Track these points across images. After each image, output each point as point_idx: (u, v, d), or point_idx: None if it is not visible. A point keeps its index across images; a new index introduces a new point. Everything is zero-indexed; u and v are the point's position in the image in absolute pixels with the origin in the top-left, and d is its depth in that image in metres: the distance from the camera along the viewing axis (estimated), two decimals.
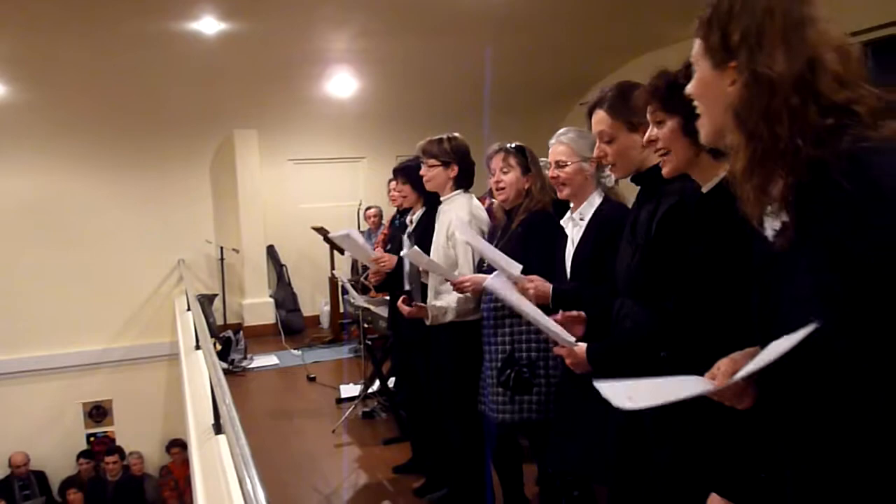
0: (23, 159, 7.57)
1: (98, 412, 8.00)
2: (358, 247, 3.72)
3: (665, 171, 1.73)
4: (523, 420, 2.72)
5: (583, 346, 2.05)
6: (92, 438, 7.95)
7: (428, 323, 3.13)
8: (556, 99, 8.39)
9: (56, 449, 7.72)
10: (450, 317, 3.07)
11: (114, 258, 7.86)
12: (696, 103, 1.28)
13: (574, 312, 2.14)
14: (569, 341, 2.06)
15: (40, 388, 7.72)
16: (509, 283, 2.37)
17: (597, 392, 1.26)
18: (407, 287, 3.48)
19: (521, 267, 2.53)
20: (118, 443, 7.94)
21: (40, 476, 7.55)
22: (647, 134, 1.75)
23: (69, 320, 7.73)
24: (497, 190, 2.87)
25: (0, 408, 7.59)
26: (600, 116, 2.10)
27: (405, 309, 3.21)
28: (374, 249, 4.09)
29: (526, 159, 2.85)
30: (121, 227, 7.91)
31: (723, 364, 1.24)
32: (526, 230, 2.76)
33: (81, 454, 7.68)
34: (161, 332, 7.87)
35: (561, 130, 2.57)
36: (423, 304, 3.20)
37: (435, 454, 3.70)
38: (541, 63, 7.44)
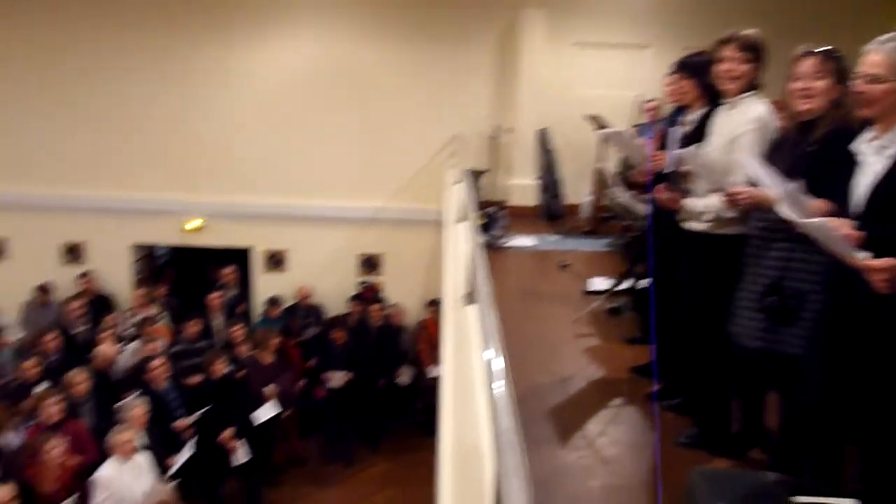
0: (317, 26, 8.29)
1: (370, 263, 8.89)
2: (629, 144, 3.59)
3: None
4: (779, 351, 2.54)
5: None
6: (362, 285, 8.88)
7: (678, 219, 2.98)
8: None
9: (332, 290, 8.77)
10: (704, 219, 2.90)
11: (397, 124, 8.46)
12: None
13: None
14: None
15: (326, 234, 8.74)
16: (802, 203, 2.16)
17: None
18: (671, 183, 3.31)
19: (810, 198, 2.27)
20: (383, 293, 8.82)
21: (318, 310, 8.66)
22: None
23: (355, 177, 8.56)
24: (803, 98, 2.55)
25: (295, 245, 8.79)
26: None
27: (662, 195, 3.07)
28: (647, 147, 3.90)
29: (843, 67, 2.49)
30: (405, 96, 8.43)
31: None
32: (824, 148, 2.45)
33: (352, 297, 8.63)
34: (431, 198, 8.38)
35: (885, 36, 2.11)
36: (681, 192, 3.04)
37: (676, 362, 3.61)
38: None
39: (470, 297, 3.68)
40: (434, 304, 8.16)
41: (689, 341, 3.24)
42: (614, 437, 3.36)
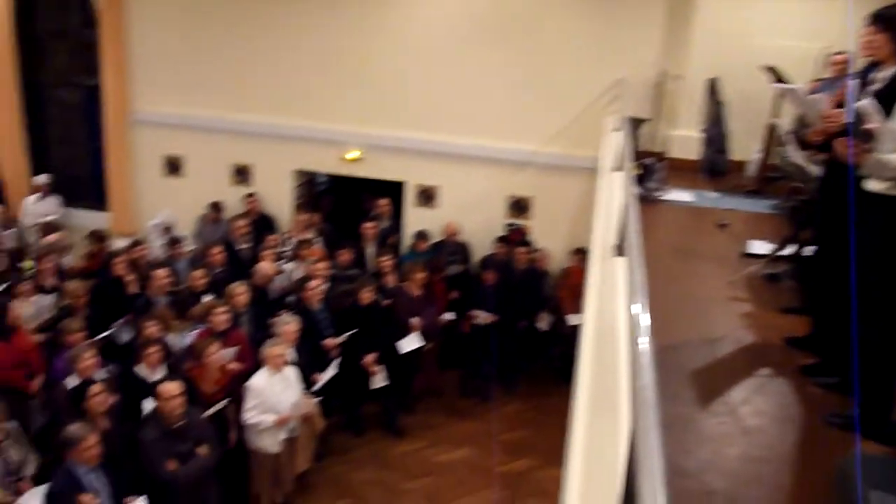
0: None
1: (519, 206, 8.87)
2: (805, 102, 3.30)
3: None
4: None
5: None
6: (509, 227, 8.89)
7: (858, 176, 2.73)
8: None
9: (479, 229, 8.84)
10: (886, 176, 2.63)
11: (558, 67, 8.26)
12: None
13: None
14: None
15: (478, 173, 8.78)
16: None
17: None
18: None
19: None
20: (530, 237, 8.79)
21: (464, 247, 8.78)
22: None
23: (511, 118, 8.50)
24: None
25: (446, 182, 8.91)
26: None
27: (842, 148, 2.81)
28: (825, 104, 3.55)
29: None
30: (568, 37, 8.20)
31: None
32: None
33: (499, 239, 8.66)
34: (587, 145, 8.18)
35: None
36: (864, 148, 2.78)
37: (836, 338, 3.36)
38: None
39: (619, 249, 3.59)
40: (580, 253, 8.04)
41: (857, 314, 3.01)
42: (758, 407, 3.21)
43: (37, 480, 4.99)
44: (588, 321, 3.29)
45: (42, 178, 9.73)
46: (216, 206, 9.28)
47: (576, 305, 7.17)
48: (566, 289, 8.08)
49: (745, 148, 7.89)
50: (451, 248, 8.70)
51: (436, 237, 8.83)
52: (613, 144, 6.26)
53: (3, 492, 4.70)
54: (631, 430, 1.64)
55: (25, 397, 6.01)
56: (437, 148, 8.79)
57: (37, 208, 9.55)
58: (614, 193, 4.79)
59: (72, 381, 5.43)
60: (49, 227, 8.54)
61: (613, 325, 2.83)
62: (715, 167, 7.76)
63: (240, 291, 6.69)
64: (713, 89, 7.97)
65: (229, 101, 9.20)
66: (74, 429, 4.59)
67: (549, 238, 8.69)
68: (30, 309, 6.66)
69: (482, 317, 7.87)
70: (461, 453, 7.26)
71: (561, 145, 8.46)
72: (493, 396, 8.18)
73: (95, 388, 5.03)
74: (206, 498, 5.26)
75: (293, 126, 9.05)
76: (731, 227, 5.97)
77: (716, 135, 7.91)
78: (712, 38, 7.88)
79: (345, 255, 8.03)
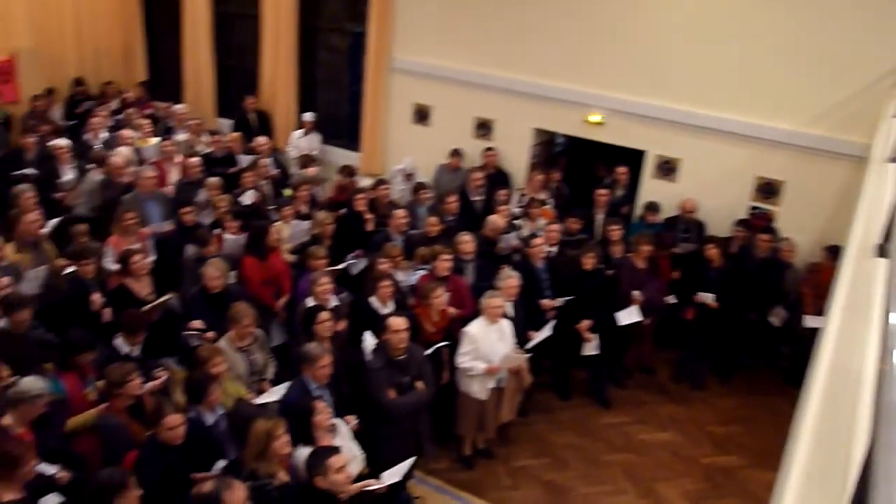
0: None
1: (768, 189, 8.19)
2: None
3: None
4: None
5: None
6: (752, 211, 8.27)
7: None
8: None
9: (718, 209, 8.31)
10: None
11: (834, 39, 7.40)
12: None
13: None
14: None
15: (725, 149, 8.23)
16: None
17: None
18: None
19: None
20: (775, 224, 8.11)
21: (700, 226, 8.31)
22: None
23: (770, 94, 7.83)
24: None
25: (690, 155, 8.46)
26: None
27: None
28: None
29: None
30: (846, 13, 7.30)
31: None
32: None
33: (738, 222, 8.09)
34: (858, 130, 7.35)
35: None
36: None
37: None
38: None
39: (882, 250, 3.22)
40: (832, 251, 7.27)
41: None
42: None
43: (274, 384, 5.60)
44: (831, 325, 2.99)
45: (308, 116, 10.67)
46: (457, 153, 9.61)
47: (818, 306, 6.60)
48: (810, 286, 7.40)
49: None
50: (684, 226, 8.30)
51: (670, 212, 8.46)
52: (892, 133, 5.56)
53: (247, 390, 5.35)
54: (868, 449, 1.48)
55: (271, 314, 6.73)
56: (685, 119, 8.34)
57: (300, 143, 10.52)
58: (885, 188, 4.28)
59: (309, 303, 5.99)
60: (308, 160, 9.37)
61: (863, 333, 2.56)
62: None
63: (466, 240, 6.94)
64: None
65: (480, 55, 9.40)
66: (313, 347, 5.07)
67: (797, 228, 7.95)
68: (286, 232, 7.42)
69: (708, 300, 7.41)
70: (665, 436, 7.05)
71: (826, 127, 7.67)
72: (706, 385, 7.82)
73: (324, 315, 5.51)
74: (419, 428, 5.59)
75: (538, 84, 9.06)
76: None
77: None
78: None
79: (573, 222, 7.99)
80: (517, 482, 6.33)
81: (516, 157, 9.56)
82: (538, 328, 6.56)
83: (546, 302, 6.88)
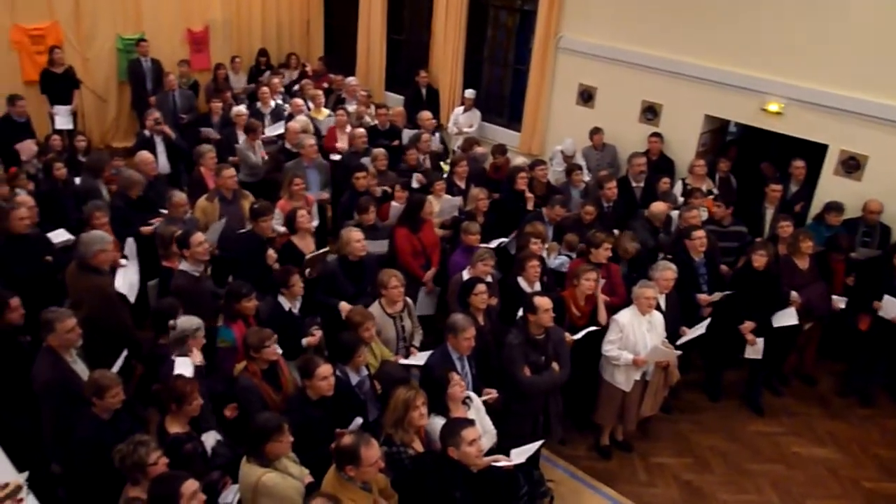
0: None
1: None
2: None
3: None
4: None
5: None
6: None
7: None
8: None
9: None
10: None
11: None
12: None
13: None
14: None
15: None
16: None
17: None
18: None
19: None
20: None
21: (886, 231, 7.56)
22: None
23: None
24: None
25: (880, 153, 7.67)
26: None
27: None
28: None
29: None
30: None
31: None
32: None
33: None
34: None
35: None
36: None
37: None
38: None
39: None
40: None
41: None
42: None
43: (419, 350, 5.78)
44: None
45: (470, 93, 10.76)
46: (598, 130, 9.39)
47: None
48: None
49: None
50: (865, 230, 7.60)
51: (850, 213, 7.74)
52: None
53: (397, 354, 5.56)
54: None
55: (418, 285, 6.89)
56: (876, 111, 7.58)
57: (461, 119, 10.65)
58: None
59: (465, 276, 6.09)
60: (472, 142, 9.45)
61: None
62: None
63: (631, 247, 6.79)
64: None
65: (651, 36, 9.04)
66: (460, 318, 5.16)
67: None
68: (437, 207, 7.56)
69: (890, 310, 6.71)
70: (822, 452, 6.58)
71: None
72: (876, 403, 7.19)
73: (481, 287, 5.62)
74: (549, 409, 5.57)
75: (711, 69, 8.57)
76: None
77: None
78: None
79: (721, 210, 7.54)
80: (653, 479, 6.14)
81: (684, 144, 9.14)
82: (692, 324, 6.29)
83: (703, 297, 6.58)
